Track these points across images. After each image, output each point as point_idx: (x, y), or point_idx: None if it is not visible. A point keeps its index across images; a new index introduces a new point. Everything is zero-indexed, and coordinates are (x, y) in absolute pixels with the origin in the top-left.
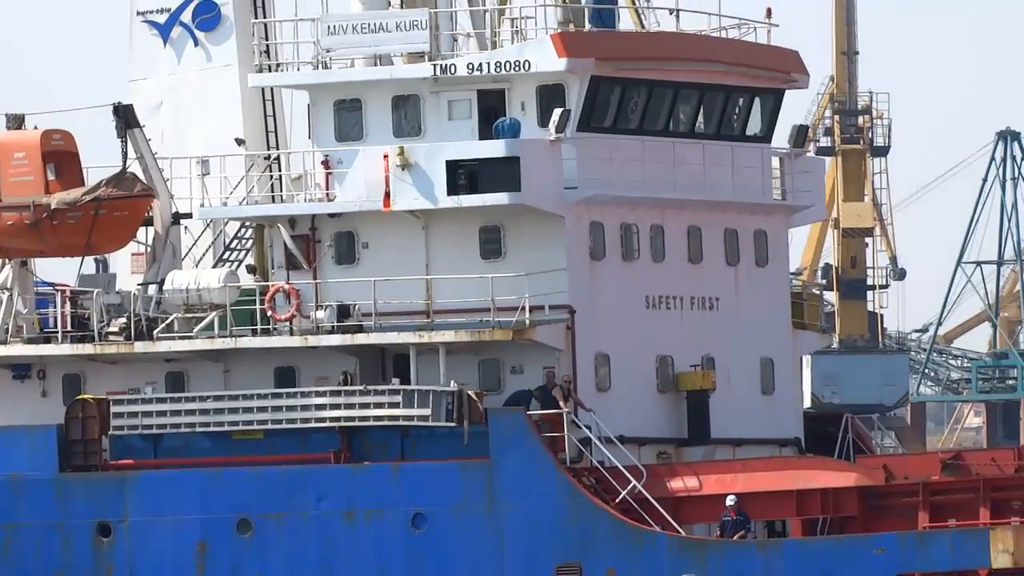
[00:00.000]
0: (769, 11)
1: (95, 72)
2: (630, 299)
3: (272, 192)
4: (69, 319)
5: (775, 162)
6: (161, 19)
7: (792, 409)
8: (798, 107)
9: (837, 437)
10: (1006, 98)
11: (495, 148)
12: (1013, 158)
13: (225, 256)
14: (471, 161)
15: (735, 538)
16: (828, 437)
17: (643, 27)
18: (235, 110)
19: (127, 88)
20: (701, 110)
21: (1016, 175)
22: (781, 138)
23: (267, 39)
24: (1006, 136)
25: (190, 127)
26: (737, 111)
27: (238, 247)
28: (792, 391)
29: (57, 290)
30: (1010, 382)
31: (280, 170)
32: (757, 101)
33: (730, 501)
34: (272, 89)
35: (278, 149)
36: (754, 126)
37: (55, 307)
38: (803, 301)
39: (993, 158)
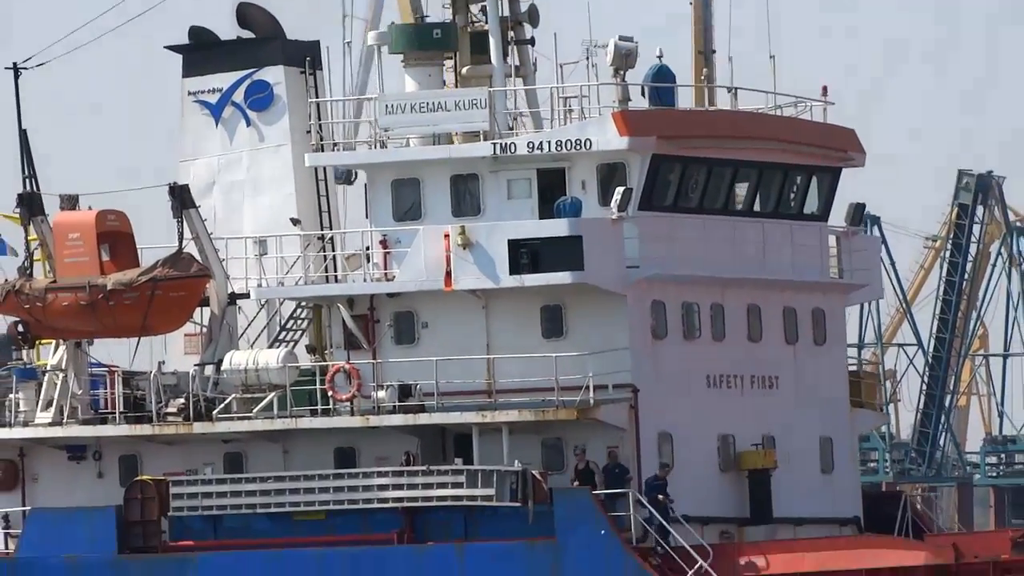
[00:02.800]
0: (825, 89)
1: (147, 154)
2: (692, 378)
3: (328, 272)
4: (121, 399)
5: (832, 240)
6: (213, 99)
7: (851, 488)
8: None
9: (896, 516)
10: None
11: (557, 227)
12: None
13: (281, 336)
14: (533, 240)
15: None
16: (886, 516)
17: (703, 105)
18: (288, 190)
19: (179, 168)
20: (759, 188)
21: None
22: (837, 217)
23: (320, 118)
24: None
25: (243, 207)
26: (795, 189)
27: (293, 327)
28: (851, 470)
29: (110, 371)
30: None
31: (335, 249)
32: (815, 179)
33: None
34: (326, 169)
35: (332, 229)
36: (811, 204)
37: (106, 388)
38: (861, 380)
39: None
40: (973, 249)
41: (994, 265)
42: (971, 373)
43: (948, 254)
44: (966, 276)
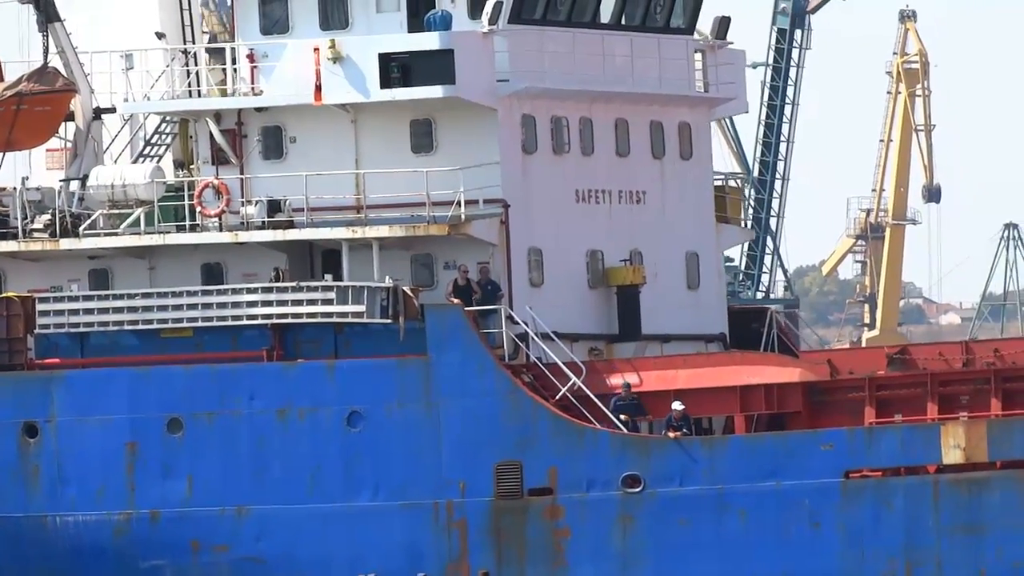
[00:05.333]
0: None
1: None
2: (561, 193)
3: (192, 87)
4: None
5: (697, 55)
6: None
7: (717, 304)
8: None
9: (761, 333)
10: None
11: (429, 40)
12: None
13: (146, 152)
14: (404, 54)
15: (673, 435)
16: (751, 333)
17: None
18: (151, 4)
19: None
20: (627, 2)
21: None
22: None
23: None
24: None
25: (106, 21)
26: (661, 3)
27: (158, 142)
28: (717, 286)
29: None
30: None
31: (199, 64)
32: None
33: (677, 406)
34: None
35: (195, 43)
36: (677, 18)
37: None
38: (726, 195)
39: None
40: (793, 73)
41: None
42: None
43: (768, 78)
44: (787, 100)
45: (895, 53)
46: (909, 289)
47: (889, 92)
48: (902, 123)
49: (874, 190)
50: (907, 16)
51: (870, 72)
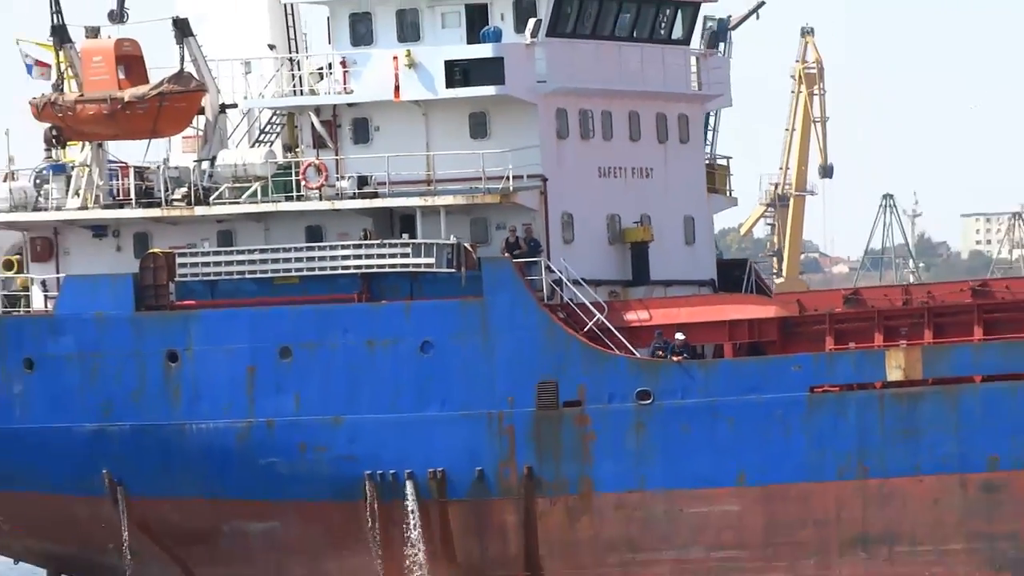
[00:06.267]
0: None
1: None
2: (587, 170)
3: (297, 87)
4: (134, 189)
5: (693, 60)
6: None
7: (708, 256)
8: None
9: (742, 279)
10: None
11: (483, 50)
12: None
13: (260, 138)
14: (464, 60)
15: (676, 359)
16: (734, 279)
17: None
18: (264, 22)
19: (176, 5)
20: (638, 20)
21: None
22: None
23: None
24: None
25: (230, 35)
26: (665, 20)
27: (270, 131)
28: (708, 242)
29: (123, 166)
30: None
31: (302, 69)
32: (680, 12)
33: (679, 336)
34: (293, 5)
35: (299, 52)
36: (677, 32)
37: (119, 180)
38: (715, 171)
39: None
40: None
41: None
42: None
43: None
44: None
45: (797, 60)
46: (808, 246)
47: (793, 91)
48: (803, 116)
49: (781, 168)
50: (807, 31)
51: (778, 75)
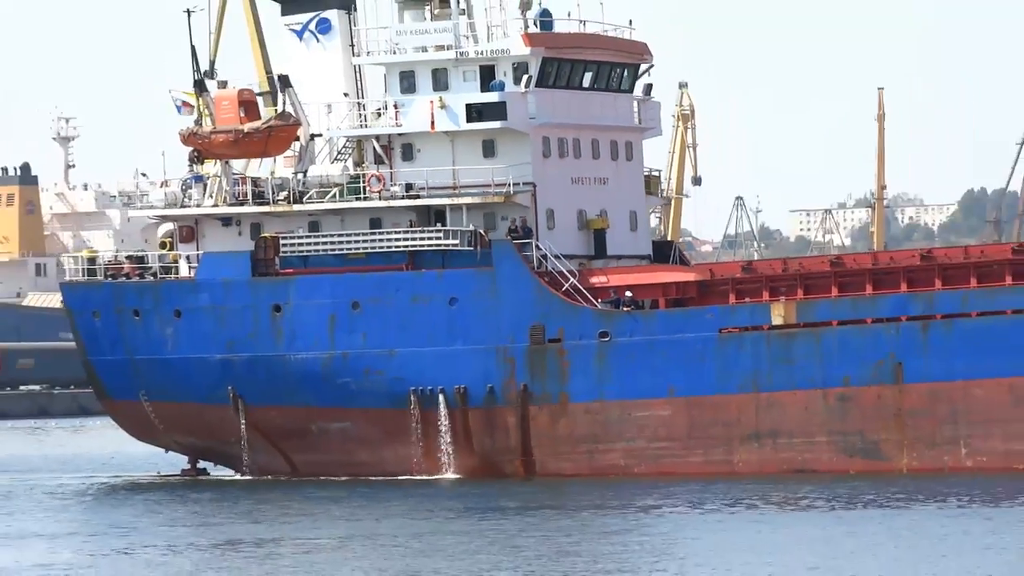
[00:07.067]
0: (630, 21)
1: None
2: (564, 179)
3: (362, 122)
4: (251, 192)
5: (635, 104)
6: (298, 27)
7: (645, 239)
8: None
9: (669, 255)
10: None
11: (492, 97)
12: None
13: (337, 157)
14: (480, 104)
15: (626, 310)
16: (664, 255)
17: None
18: (339, 80)
19: (281, 65)
20: (598, 75)
21: None
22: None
23: (354, 37)
24: None
25: (316, 85)
26: (616, 75)
27: (344, 152)
28: (646, 229)
29: (242, 178)
30: None
31: (366, 109)
32: (626, 70)
33: (628, 294)
34: (360, 66)
35: (363, 98)
36: (626, 84)
37: (239, 186)
38: (650, 179)
39: None
40: None
41: None
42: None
43: None
44: None
45: (677, 104)
46: (684, 232)
47: (674, 126)
48: (680, 142)
49: (666, 179)
50: (683, 85)
51: (665, 114)
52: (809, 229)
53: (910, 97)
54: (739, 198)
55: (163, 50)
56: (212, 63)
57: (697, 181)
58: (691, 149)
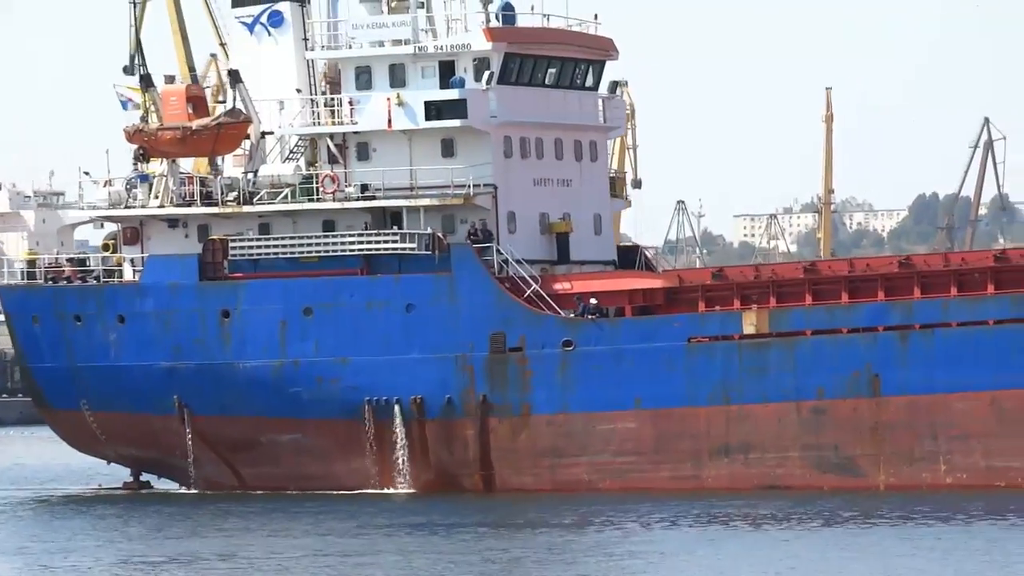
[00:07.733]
0: (596, 15)
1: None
2: (525, 180)
3: (316, 119)
4: (199, 192)
5: (600, 102)
6: (249, 20)
7: (610, 243)
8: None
9: (635, 260)
10: None
11: (452, 94)
12: None
13: (289, 156)
14: (438, 101)
15: (591, 318)
16: (630, 261)
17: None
18: (292, 71)
19: (232, 59)
20: (561, 71)
21: None
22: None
23: (307, 32)
24: None
25: (268, 81)
26: (580, 72)
27: (296, 151)
28: (610, 233)
29: (189, 177)
30: None
31: (319, 106)
32: (591, 67)
33: (593, 301)
34: (313, 60)
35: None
36: (589, 81)
37: (186, 185)
38: (615, 181)
39: None
40: None
41: None
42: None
43: None
44: None
45: None
46: (624, 237)
47: None
48: (620, 145)
49: None
50: (622, 84)
51: None
52: (754, 235)
53: (859, 98)
54: (680, 202)
55: (102, 44)
56: (132, 57)
57: (637, 184)
58: (631, 151)
